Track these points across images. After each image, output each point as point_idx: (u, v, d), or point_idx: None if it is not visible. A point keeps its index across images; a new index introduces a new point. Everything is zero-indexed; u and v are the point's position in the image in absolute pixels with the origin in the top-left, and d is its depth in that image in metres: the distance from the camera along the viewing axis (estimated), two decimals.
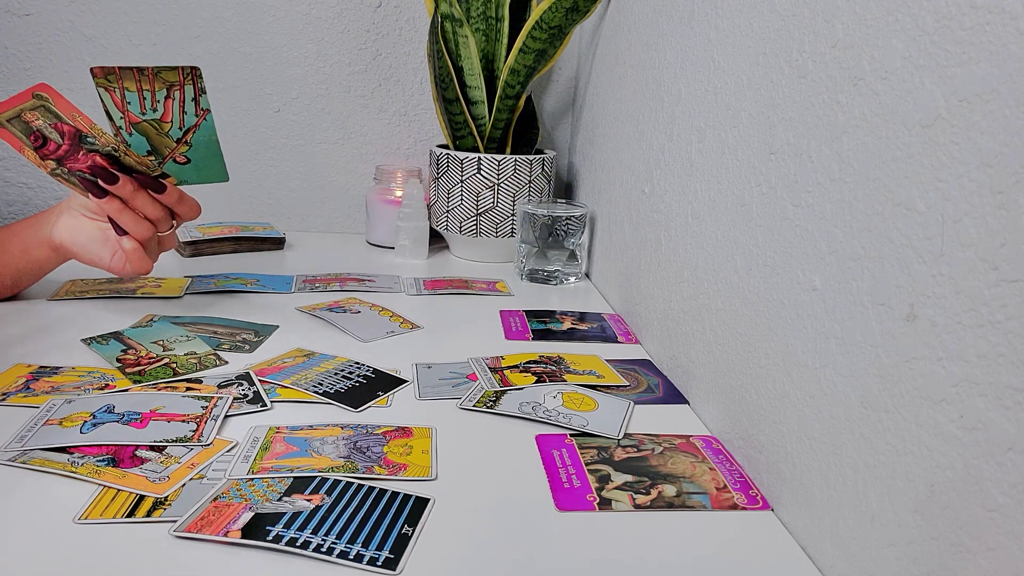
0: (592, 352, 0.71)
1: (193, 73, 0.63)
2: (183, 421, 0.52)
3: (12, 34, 1.03)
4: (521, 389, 0.61)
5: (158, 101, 0.64)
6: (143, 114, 0.64)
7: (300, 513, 0.42)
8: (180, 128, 0.66)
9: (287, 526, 0.41)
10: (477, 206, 0.99)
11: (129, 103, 0.63)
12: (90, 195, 0.66)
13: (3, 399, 0.54)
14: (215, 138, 0.68)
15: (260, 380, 0.60)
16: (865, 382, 0.38)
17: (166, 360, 0.63)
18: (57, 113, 0.62)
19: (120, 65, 0.61)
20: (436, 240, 1.09)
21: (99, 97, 0.62)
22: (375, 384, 0.61)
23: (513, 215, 1.00)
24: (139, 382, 0.58)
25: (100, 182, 0.65)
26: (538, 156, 0.99)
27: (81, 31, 1.04)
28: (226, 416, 0.54)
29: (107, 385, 0.58)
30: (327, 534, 0.41)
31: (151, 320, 0.72)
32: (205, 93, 0.65)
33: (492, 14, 0.97)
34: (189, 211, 0.71)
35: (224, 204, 1.14)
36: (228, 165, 1.11)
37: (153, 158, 0.67)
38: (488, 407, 0.58)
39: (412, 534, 0.41)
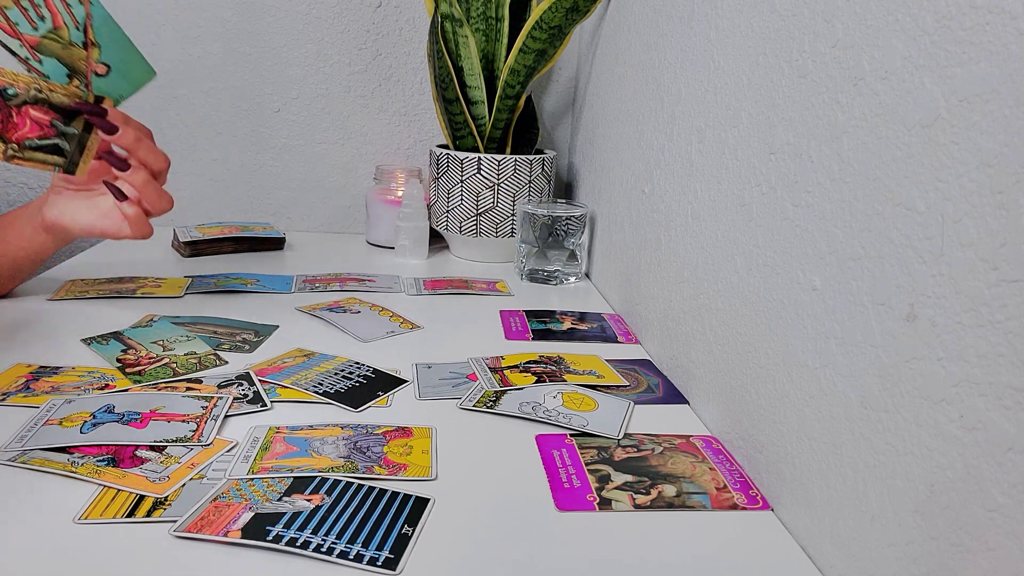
0: (592, 352, 0.71)
1: None
2: (183, 421, 0.52)
3: None
4: (521, 389, 0.61)
5: (39, 6, 0.61)
6: (36, 30, 0.61)
7: (300, 513, 0.42)
8: (77, 27, 0.64)
9: (287, 526, 0.41)
10: (477, 206, 0.99)
11: (17, 24, 0.61)
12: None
13: (3, 399, 0.54)
14: (116, 26, 0.65)
15: (260, 380, 0.60)
16: (865, 382, 0.38)
17: (166, 360, 0.63)
18: None
19: None
20: (436, 240, 1.09)
21: None
22: (375, 384, 0.61)
23: (513, 215, 1.00)
24: (139, 382, 0.58)
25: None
26: (538, 156, 0.99)
27: None
28: (226, 416, 0.54)
29: (107, 385, 0.58)
30: (327, 534, 0.41)
31: (151, 320, 0.72)
32: None
33: (492, 14, 0.97)
34: (140, 129, 0.69)
35: (224, 204, 1.15)
36: (228, 164, 1.12)
37: (77, 83, 0.65)
38: (488, 407, 0.58)
39: (412, 534, 0.41)
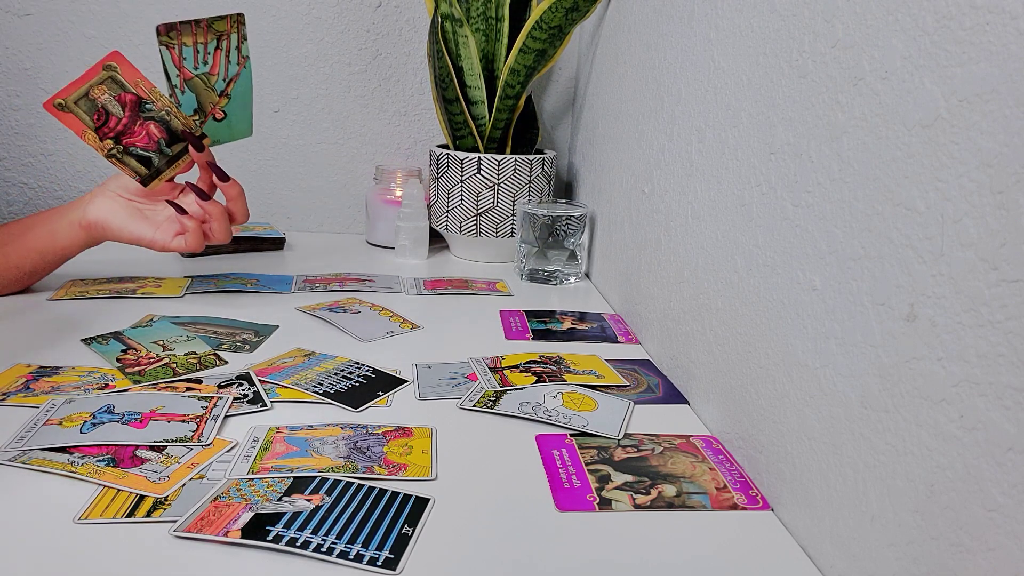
0: (592, 352, 0.71)
1: (238, 20, 0.70)
2: (183, 421, 0.52)
3: (12, 34, 1.03)
4: (521, 389, 0.61)
5: (209, 53, 0.70)
6: (196, 68, 0.70)
7: (300, 513, 0.42)
8: (224, 79, 0.72)
9: (287, 526, 0.41)
10: (477, 206, 0.99)
11: (185, 59, 0.70)
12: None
13: (3, 399, 0.54)
14: (250, 89, 0.74)
15: (260, 380, 0.60)
16: (865, 382, 0.38)
17: (166, 360, 0.63)
18: (122, 82, 0.68)
19: (181, 20, 0.69)
20: (436, 240, 1.09)
21: (160, 55, 0.69)
22: (375, 384, 0.61)
23: (513, 215, 1.00)
24: (139, 382, 0.58)
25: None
26: (538, 156, 0.99)
27: (81, 31, 1.04)
28: (226, 416, 0.54)
29: (107, 385, 0.58)
30: (327, 534, 0.41)
31: (151, 320, 0.72)
32: (246, 40, 0.71)
33: (492, 14, 0.97)
34: (220, 170, 0.76)
35: None
36: (228, 164, 1.12)
37: (197, 117, 0.73)
38: (488, 407, 0.58)
39: (412, 534, 0.41)
